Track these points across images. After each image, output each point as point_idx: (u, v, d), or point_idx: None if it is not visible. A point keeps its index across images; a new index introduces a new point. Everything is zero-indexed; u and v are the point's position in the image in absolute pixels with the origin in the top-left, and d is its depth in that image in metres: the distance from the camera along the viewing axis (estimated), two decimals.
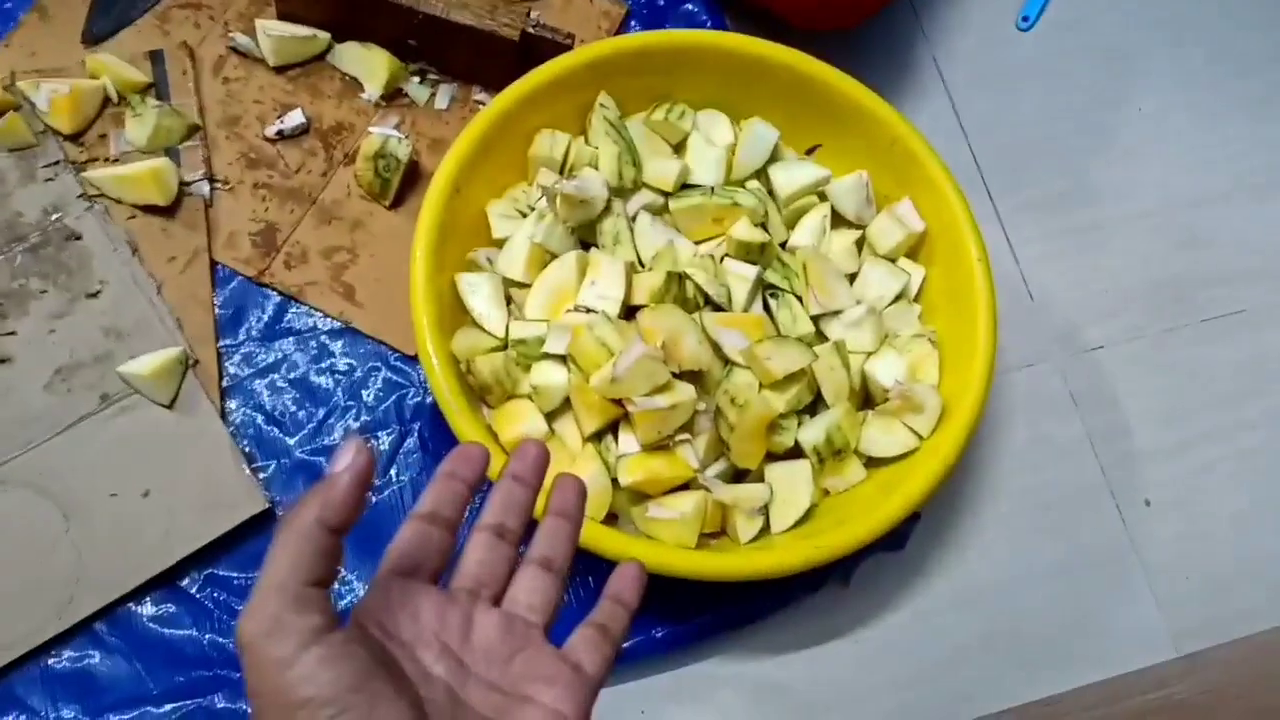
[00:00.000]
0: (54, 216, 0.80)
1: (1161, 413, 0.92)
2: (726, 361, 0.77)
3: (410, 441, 0.81)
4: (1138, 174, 1.00)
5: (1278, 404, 0.93)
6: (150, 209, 0.82)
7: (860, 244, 0.85)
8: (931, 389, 0.78)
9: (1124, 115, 1.02)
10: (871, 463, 0.79)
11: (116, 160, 0.83)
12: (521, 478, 0.49)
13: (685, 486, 0.76)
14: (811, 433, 0.76)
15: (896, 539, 0.83)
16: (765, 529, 0.77)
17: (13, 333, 0.77)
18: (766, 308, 0.81)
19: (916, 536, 0.85)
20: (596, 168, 0.82)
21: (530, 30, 0.87)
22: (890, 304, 0.83)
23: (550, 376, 0.75)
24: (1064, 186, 0.99)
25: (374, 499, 0.79)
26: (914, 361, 0.80)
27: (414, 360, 0.82)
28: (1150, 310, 0.95)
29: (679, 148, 0.86)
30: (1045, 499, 0.88)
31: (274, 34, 0.87)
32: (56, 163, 0.82)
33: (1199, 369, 0.94)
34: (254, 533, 0.75)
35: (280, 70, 0.89)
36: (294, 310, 0.83)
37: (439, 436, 0.81)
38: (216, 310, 0.81)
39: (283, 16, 0.89)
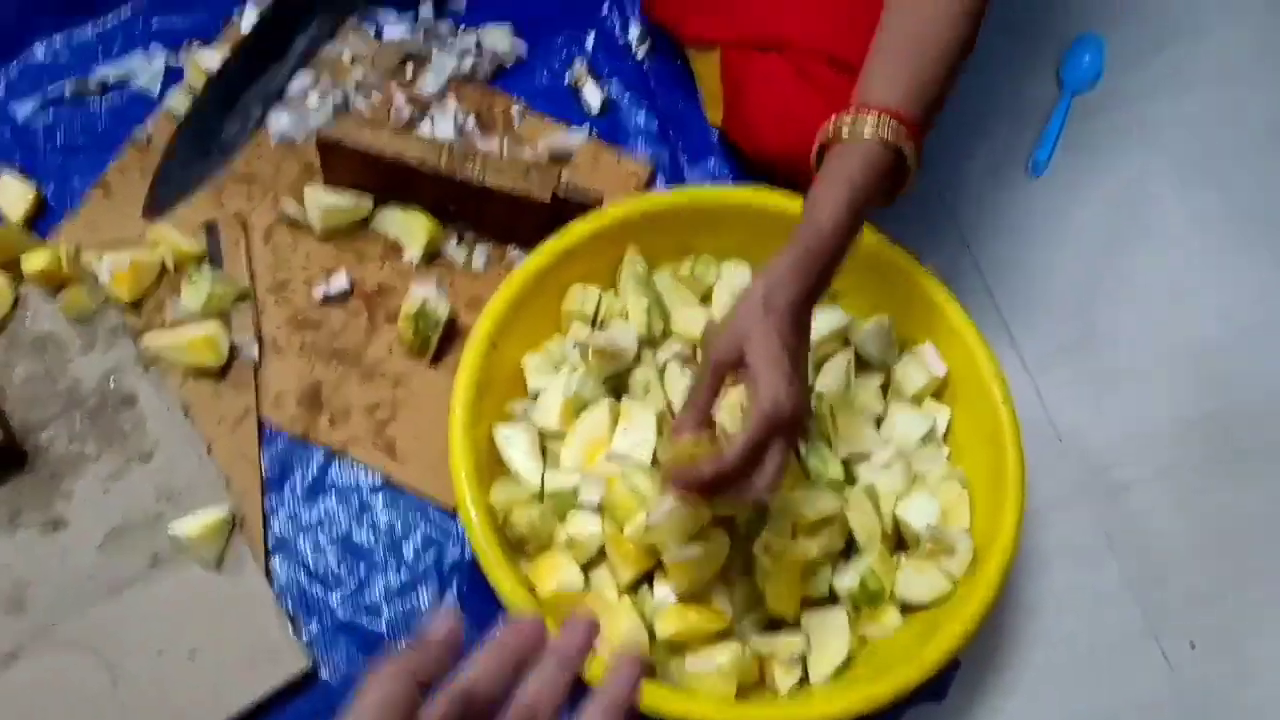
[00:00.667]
0: (112, 382, 0.84)
1: (1200, 554, 0.92)
2: (759, 510, 0.78)
3: (450, 596, 0.82)
4: (1158, 315, 1.02)
5: None
6: (202, 371, 0.86)
7: (885, 387, 0.87)
8: (964, 531, 0.79)
9: (1141, 257, 1.05)
10: (908, 608, 0.79)
11: (172, 326, 0.87)
12: (565, 658, 0.42)
13: (723, 636, 0.76)
14: (847, 579, 0.77)
15: (938, 688, 0.82)
16: (804, 678, 0.77)
17: (70, 494, 0.80)
18: (796, 453, 0.82)
19: (957, 685, 0.84)
20: (627, 319, 0.85)
21: (561, 193, 0.91)
22: (918, 446, 0.84)
23: (585, 527, 0.76)
24: (1085, 328, 1.01)
25: None
26: (945, 503, 0.81)
27: (453, 514, 0.84)
28: (1180, 451, 0.96)
29: (705, 298, 0.89)
30: (1088, 644, 0.87)
31: (321, 203, 0.92)
32: (115, 330, 0.86)
33: (1233, 509, 0.94)
34: (297, 693, 0.76)
35: (326, 237, 0.94)
36: (337, 466, 0.85)
37: (477, 593, 0.82)
38: (263, 469, 0.84)
39: (330, 185, 0.95)
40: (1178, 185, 1.09)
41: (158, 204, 0.93)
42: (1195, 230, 1.07)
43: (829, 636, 0.77)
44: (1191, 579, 0.90)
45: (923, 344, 0.87)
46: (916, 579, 0.79)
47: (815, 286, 0.70)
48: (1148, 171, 1.10)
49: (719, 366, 0.68)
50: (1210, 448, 0.96)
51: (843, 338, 0.88)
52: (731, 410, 0.78)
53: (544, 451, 0.81)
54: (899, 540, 0.82)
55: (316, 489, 0.84)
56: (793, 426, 0.66)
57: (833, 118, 0.74)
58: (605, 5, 1.10)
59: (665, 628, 0.73)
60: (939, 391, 0.87)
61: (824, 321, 0.87)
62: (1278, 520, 0.93)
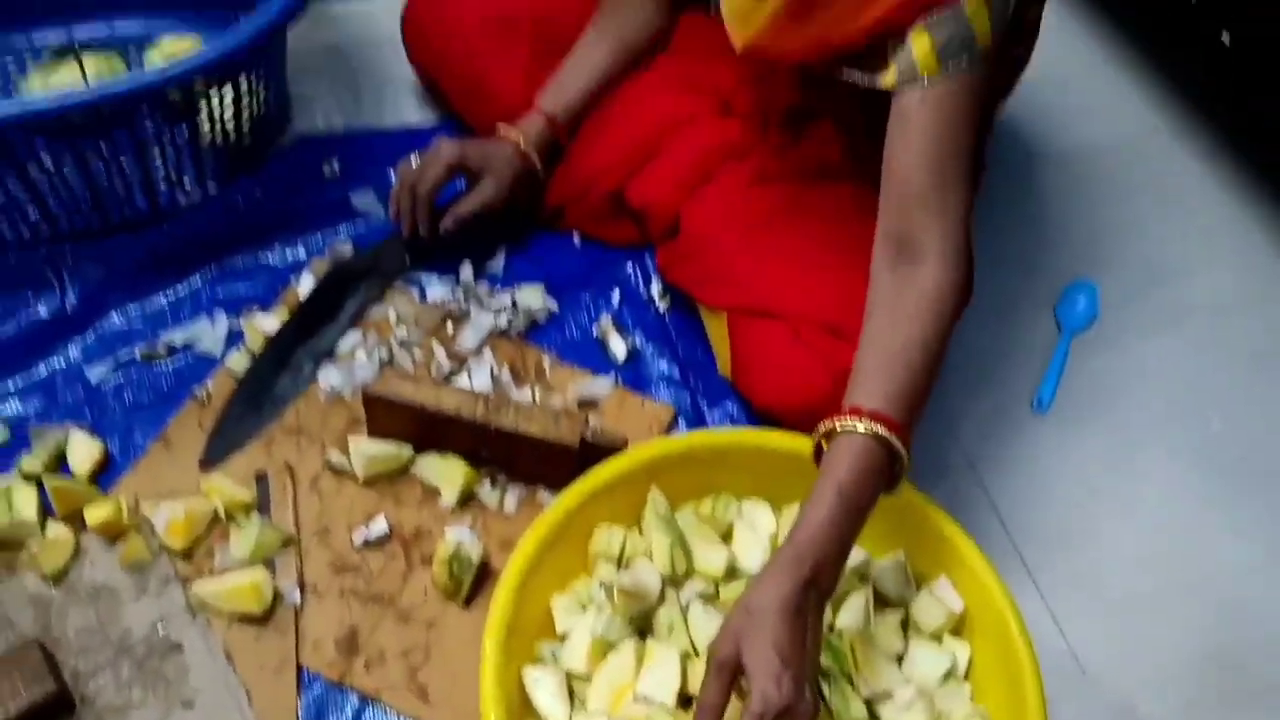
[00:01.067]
0: (160, 629, 0.89)
1: None
2: None
3: None
4: (1168, 545, 1.05)
5: None
6: (246, 617, 0.90)
7: (905, 623, 0.89)
8: None
9: (1147, 488, 1.09)
10: None
11: (220, 573, 0.92)
12: None
13: None
14: None
15: None
16: None
17: None
18: (819, 691, 0.84)
19: None
20: (651, 558, 0.89)
21: (588, 438, 0.97)
22: (940, 684, 0.86)
23: None
24: (1099, 558, 1.03)
25: None
26: None
27: None
28: (1203, 683, 0.96)
29: (726, 536, 0.93)
30: None
31: (365, 453, 0.99)
32: (167, 579, 0.91)
33: None
34: None
35: (369, 483, 1.00)
36: (371, 710, 0.88)
37: None
38: (299, 714, 0.86)
39: (373, 435, 1.02)
40: (1177, 417, 1.14)
41: (213, 456, 1.00)
42: (1196, 461, 1.11)
43: None
44: None
45: (939, 579, 0.89)
46: None
47: (810, 578, 0.74)
48: (1148, 405, 1.15)
49: (720, 668, 0.73)
50: (1231, 682, 0.96)
51: (860, 574, 0.91)
52: None
53: (571, 693, 0.83)
54: None
55: None
56: (789, 716, 0.70)
57: (827, 420, 0.81)
58: (629, 265, 1.20)
59: None
60: (958, 626, 0.89)
61: None
62: None
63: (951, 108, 0.85)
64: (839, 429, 0.80)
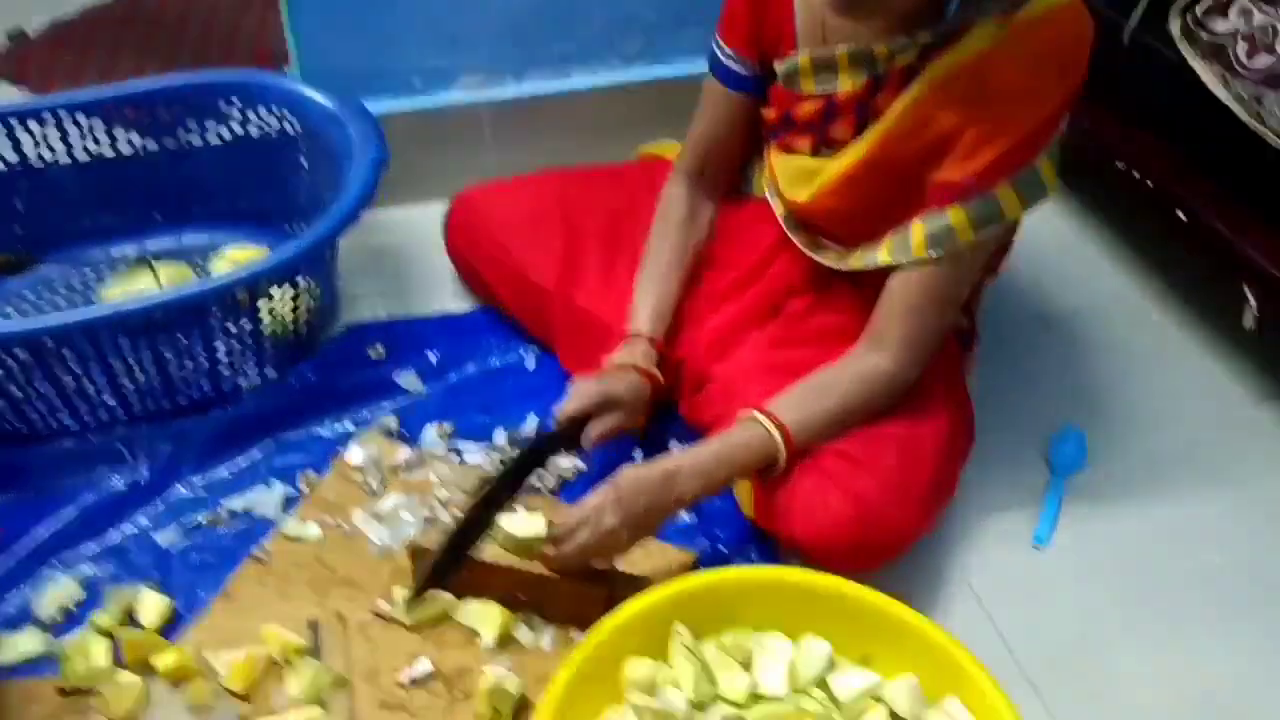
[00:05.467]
0: None
1: None
2: None
3: None
4: (1170, 664, 1.09)
5: None
6: None
7: None
8: None
9: (1147, 613, 1.15)
10: None
11: (278, 713, 0.99)
12: None
13: None
14: None
15: None
16: None
17: None
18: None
19: None
20: (678, 685, 0.95)
21: (615, 581, 1.05)
22: None
23: None
24: (1103, 680, 1.08)
25: None
26: None
27: None
28: None
29: (746, 664, 0.99)
30: None
31: (406, 600, 1.07)
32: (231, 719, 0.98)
33: None
34: None
35: (414, 628, 1.07)
36: None
37: None
38: None
39: (415, 586, 1.10)
40: (1168, 550, 1.21)
41: (429, 586, 1.07)
42: (1190, 587, 1.17)
43: None
44: None
45: (949, 698, 0.95)
46: None
47: (672, 474, 1.04)
48: (1140, 538, 1.22)
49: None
50: None
51: (874, 696, 0.97)
52: None
53: None
54: None
55: None
56: (594, 526, 1.01)
57: (748, 410, 1.08)
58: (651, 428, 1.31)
59: None
60: None
61: (858, 681, 0.96)
62: None
63: (955, 265, 1.09)
64: (753, 416, 1.07)
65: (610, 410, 1.17)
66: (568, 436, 1.16)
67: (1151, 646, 1.11)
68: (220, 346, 1.28)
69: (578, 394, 1.16)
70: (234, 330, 1.27)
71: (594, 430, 1.16)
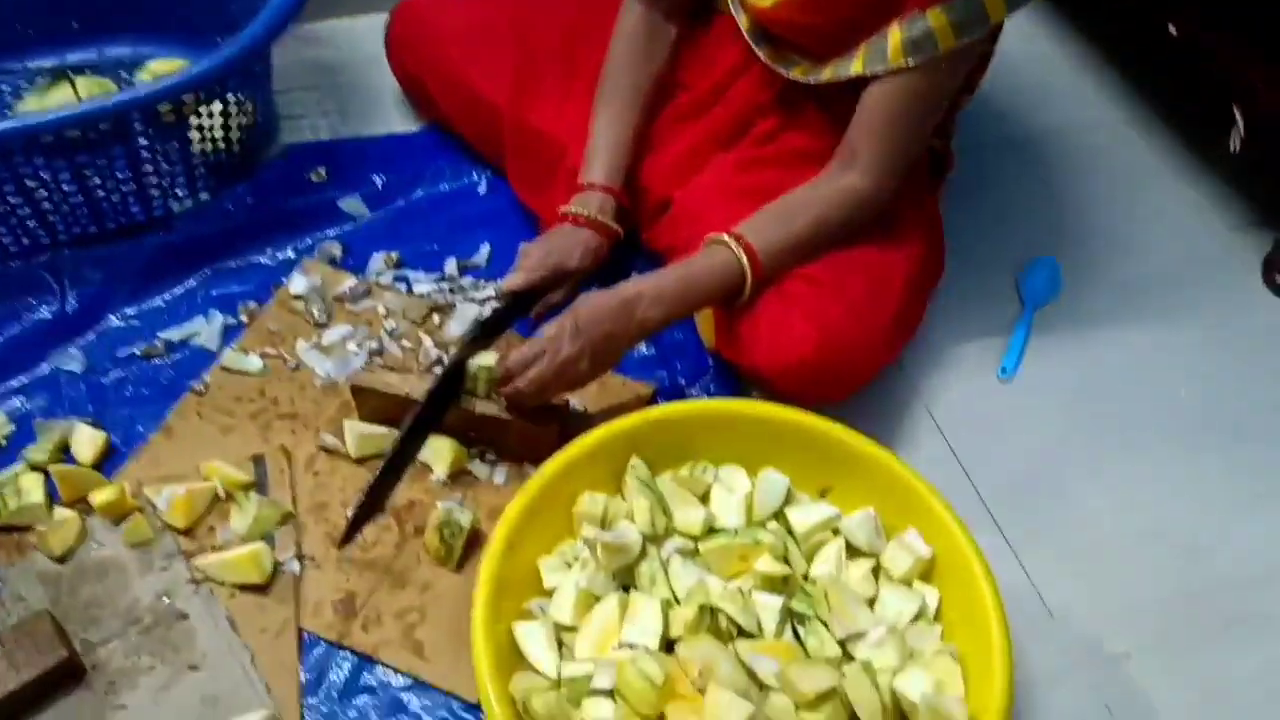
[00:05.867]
0: (165, 600, 0.93)
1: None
2: (762, 686, 0.83)
3: None
4: (1131, 496, 1.09)
5: None
6: (248, 587, 0.94)
7: (875, 571, 0.94)
8: (958, 700, 0.83)
9: (1108, 446, 1.14)
10: None
11: (221, 548, 0.96)
12: None
13: None
14: None
15: None
16: None
17: (123, 706, 0.87)
18: (796, 634, 0.88)
19: None
20: (632, 519, 0.93)
21: (568, 418, 1.02)
22: (910, 624, 0.90)
23: (600, 711, 0.81)
24: (1064, 511, 1.08)
25: None
26: (939, 676, 0.85)
27: (478, 708, 0.89)
28: (1169, 621, 1.00)
29: (704, 498, 0.97)
30: None
31: (357, 434, 1.04)
32: (170, 555, 0.95)
33: (1229, 675, 0.97)
34: None
35: (361, 462, 1.04)
36: (370, 669, 0.91)
37: None
38: (302, 674, 0.90)
39: (365, 420, 1.06)
40: (1135, 381, 1.19)
41: (356, 531, 0.97)
42: (1154, 419, 1.16)
43: None
44: None
45: (908, 530, 0.94)
46: None
47: (633, 301, 0.98)
48: (1107, 370, 1.20)
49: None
50: (1198, 617, 1.00)
51: (833, 528, 0.95)
52: None
53: (560, 644, 0.87)
54: (900, 716, 0.86)
55: (351, 690, 0.90)
56: (552, 356, 0.96)
57: (715, 234, 1.02)
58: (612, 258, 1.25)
59: None
60: (927, 574, 0.93)
61: (814, 514, 0.95)
62: (1272, 685, 0.96)
63: (934, 75, 1.01)
64: (719, 239, 1.01)
65: (564, 281, 1.12)
66: (516, 308, 1.10)
67: (1113, 480, 1.11)
68: (148, 167, 1.19)
69: (526, 266, 1.10)
70: (161, 149, 1.18)
71: (544, 305, 1.12)
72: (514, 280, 1.09)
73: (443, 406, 1.01)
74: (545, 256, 1.10)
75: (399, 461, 0.98)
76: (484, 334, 1.06)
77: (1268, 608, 1.02)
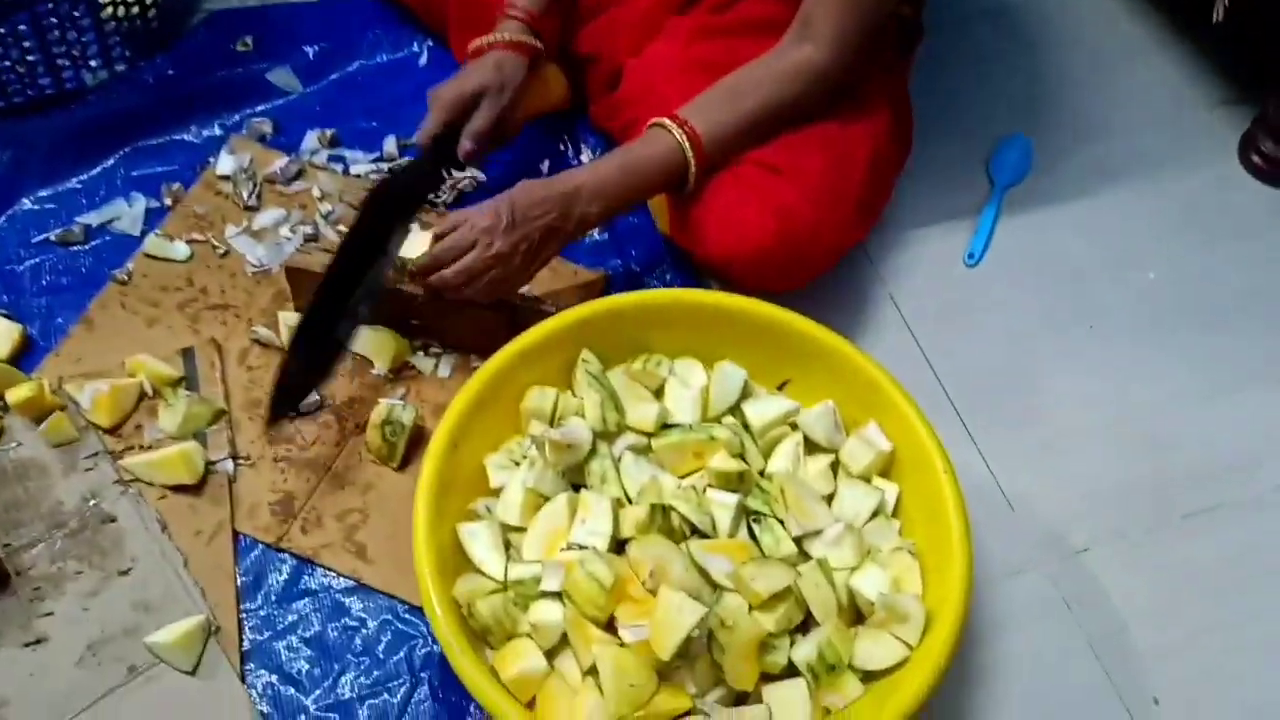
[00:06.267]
0: (92, 502, 0.88)
1: (1157, 611, 0.94)
2: (716, 586, 0.80)
3: (422, 691, 0.84)
4: (1095, 385, 1.07)
5: (1271, 595, 0.95)
6: (180, 488, 0.90)
7: (834, 467, 0.91)
8: (914, 598, 0.81)
9: (1075, 333, 1.11)
10: (868, 676, 0.81)
11: (150, 447, 0.91)
12: None
13: (687, 715, 0.77)
14: (804, 650, 0.79)
15: None
16: None
17: (50, 613, 0.83)
18: (751, 533, 0.85)
19: None
20: (583, 416, 0.89)
21: (517, 303, 0.97)
22: (868, 520, 0.87)
23: (547, 614, 0.79)
24: (1027, 401, 1.05)
25: None
26: (896, 574, 0.84)
27: (422, 611, 0.86)
28: (1129, 512, 0.99)
29: (658, 393, 0.93)
30: (1051, 705, 0.89)
31: (292, 324, 0.98)
32: (96, 454, 0.91)
33: (1188, 565, 0.96)
34: None
35: None
36: (310, 572, 0.88)
37: (449, 685, 0.84)
38: (238, 578, 0.87)
39: (300, 310, 1.00)
40: (1104, 266, 1.16)
41: (280, 411, 0.92)
42: (1122, 306, 1.13)
43: (791, 708, 0.78)
44: (1151, 636, 0.92)
45: (868, 424, 0.91)
46: (873, 648, 0.80)
47: (571, 196, 0.92)
48: (1076, 254, 1.16)
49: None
50: (1158, 508, 0.99)
51: (791, 422, 0.92)
52: None
53: (507, 545, 0.84)
54: (857, 613, 0.84)
55: (290, 594, 0.87)
56: (482, 249, 0.90)
57: (659, 119, 0.95)
58: (559, 134, 1.18)
59: None
60: (887, 469, 0.91)
61: (772, 408, 0.91)
62: (1231, 574, 0.96)
63: None
64: (661, 124, 0.95)
65: (480, 106, 1.02)
66: (439, 158, 1.01)
67: (1078, 368, 1.08)
68: (55, 34, 1.10)
69: (434, 105, 1.01)
70: (68, 13, 1.09)
71: (468, 136, 1.01)
72: (426, 125, 1.01)
73: (362, 266, 0.92)
74: (452, 87, 1.01)
75: (313, 326, 0.91)
76: (404, 191, 0.97)
77: (1228, 498, 1.00)
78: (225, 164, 1.10)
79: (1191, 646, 0.92)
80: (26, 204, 1.07)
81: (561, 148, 1.18)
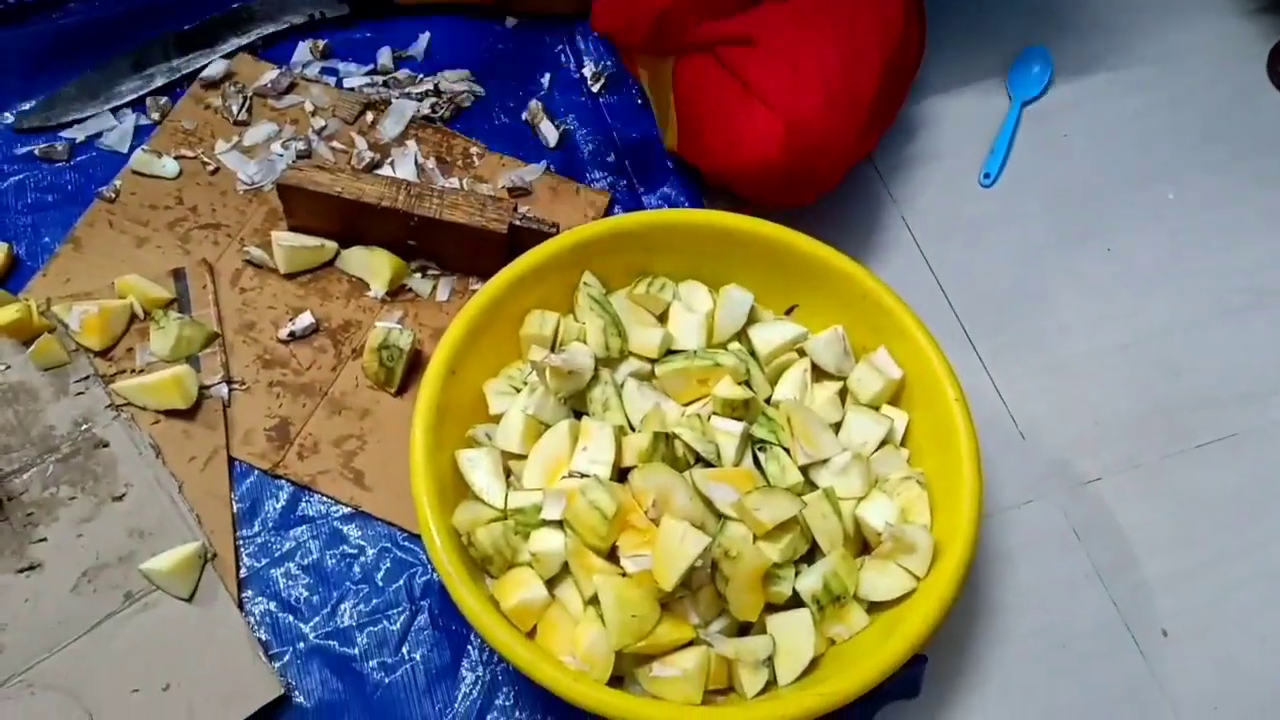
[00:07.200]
0: (83, 427, 0.86)
1: (1167, 541, 0.92)
2: (720, 516, 0.79)
3: (421, 619, 0.83)
4: (1110, 308, 1.04)
5: None
6: (172, 413, 0.88)
7: (842, 394, 0.89)
8: (922, 529, 0.80)
9: (1091, 254, 1.07)
10: (874, 608, 0.80)
11: (142, 371, 0.89)
12: None
13: (690, 645, 0.77)
14: (809, 580, 0.78)
15: (909, 685, 0.83)
16: (772, 682, 0.77)
17: (44, 539, 0.82)
18: (756, 462, 0.83)
19: (933, 682, 0.84)
20: (585, 342, 0.87)
21: (517, 223, 0.94)
22: (876, 449, 0.85)
23: (548, 543, 0.77)
24: (1040, 326, 1.03)
25: (387, 679, 0.81)
26: (904, 504, 0.82)
27: (421, 539, 0.85)
28: (1141, 440, 0.97)
29: (662, 317, 0.91)
30: (1060, 637, 0.88)
31: (286, 244, 0.95)
32: (86, 378, 0.89)
33: (1199, 494, 0.95)
34: (270, 719, 0.77)
35: (291, 277, 0.96)
36: (307, 499, 0.87)
37: (448, 613, 0.84)
38: (234, 504, 0.85)
39: (293, 229, 0.97)
40: (1123, 185, 1.12)
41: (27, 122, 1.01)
42: (1141, 226, 1.09)
43: (795, 639, 0.77)
44: (1161, 566, 0.91)
45: (878, 350, 0.88)
46: (879, 578, 0.79)
47: None
48: (1095, 172, 1.13)
49: None
50: (1171, 436, 0.97)
51: (798, 348, 0.90)
52: None
53: (507, 473, 0.82)
54: (863, 543, 0.83)
55: (287, 520, 0.86)
56: None
57: None
58: (559, 46, 1.13)
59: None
60: (897, 397, 0.88)
61: (779, 333, 0.89)
62: (1242, 503, 0.94)
63: None
64: None
65: None
66: None
67: (1093, 291, 1.05)
68: None
69: None
70: None
71: None
72: None
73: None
74: None
75: None
76: None
77: (1241, 425, 0.98)
78: (215, 68, 1.06)
79: (1201, 577, 0.91)
80: (7, 117, 1.03)
81: (562, 60, 1.13)
